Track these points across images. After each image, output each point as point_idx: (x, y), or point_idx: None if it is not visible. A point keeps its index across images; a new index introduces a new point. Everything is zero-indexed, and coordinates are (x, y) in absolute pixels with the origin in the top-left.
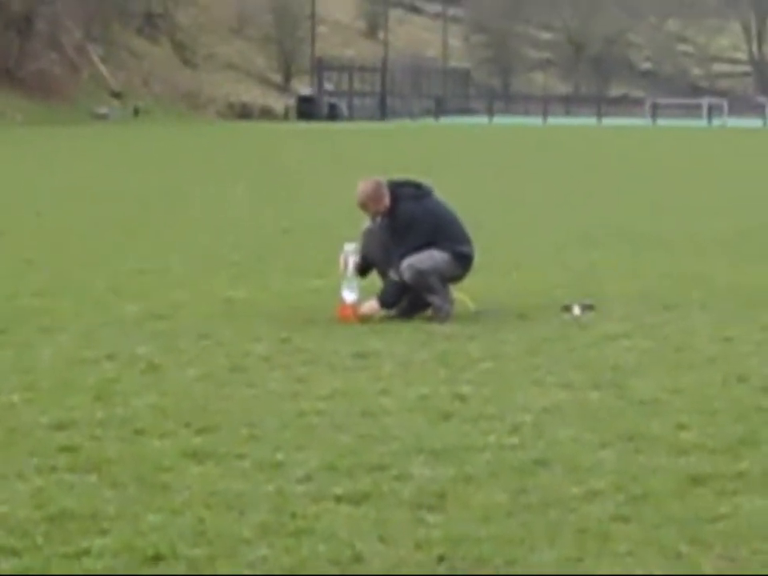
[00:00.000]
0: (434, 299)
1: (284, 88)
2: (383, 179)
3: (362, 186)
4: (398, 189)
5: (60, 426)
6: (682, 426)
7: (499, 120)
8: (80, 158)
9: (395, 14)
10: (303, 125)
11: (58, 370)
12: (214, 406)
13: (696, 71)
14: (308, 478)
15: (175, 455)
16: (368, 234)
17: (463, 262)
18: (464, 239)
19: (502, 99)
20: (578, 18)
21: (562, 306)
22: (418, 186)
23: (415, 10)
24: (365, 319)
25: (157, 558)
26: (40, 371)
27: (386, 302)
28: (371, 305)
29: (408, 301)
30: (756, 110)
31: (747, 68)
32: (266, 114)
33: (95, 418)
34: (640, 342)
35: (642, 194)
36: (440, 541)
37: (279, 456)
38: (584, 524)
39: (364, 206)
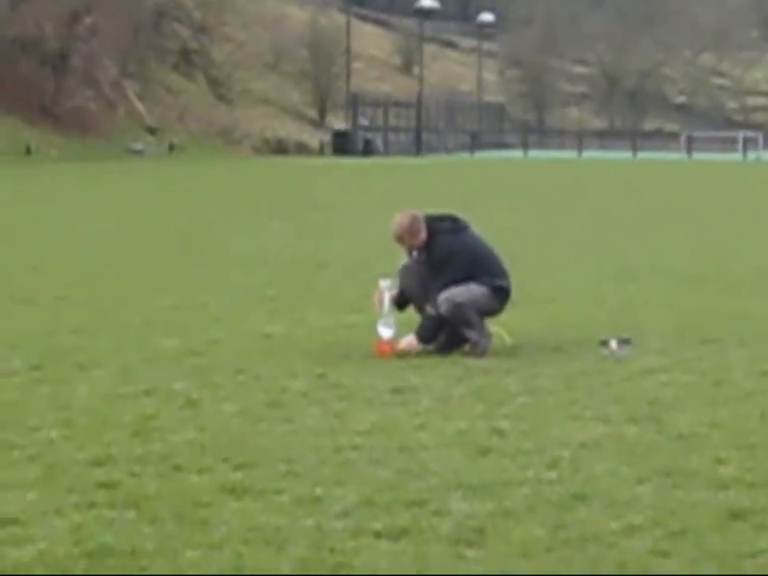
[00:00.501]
0: (471, 334)
1: (319, 123)
2: (420, 213)
3: (399, 219)
4: (434, 223)
5: (98, 462)
6: (720, 461)
7: (534, 154)
8: (115, 194)
9: (430, 49)
10: (338, 160)
11: (95, 406)
12: (252, 442)
13: (731, 104)
14: (346, 514)
15: (214, 491)
16: (405, 270)
17: (500, 295)
18: (501, 273)
19: (536, 133)
20: (613, 52)
21: (600, 341)
22: (455, 220)
23: (450, 44)
24: (401, 355)
25: None
26: (77, 407)
27: (423, 336)
28: (409, 340)
29: (446, 336)
30: None
31: None
32: (302, 149)
33: (133, 454)
34: (677, 376)
35: (678, 228)
36: None
37: (317, 491)
38: (623, 559)
39: (400, 239)
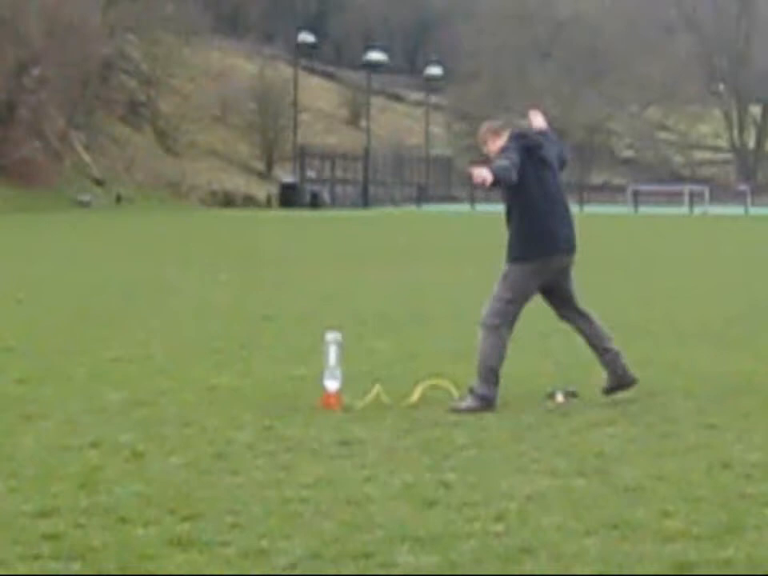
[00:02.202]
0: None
1: (266, 176)
2: (505, 124)
3: (487, 122)
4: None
5: (43, 514)
6: (666, 514)
7: (482, 207)
8: (62, 245)
9: (377, 102)
10: (285, 213)
11: (40, 457)
12: (198, 494)
13: (677, 159)
14: (293, 567)
15: (159, 543)
16: None
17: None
18: None
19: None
20: (560, 106)
21: (546, 393)
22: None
23: (397, 98)
24: (348, 407)
25: None
26: (22, 459)
27: (492, 170)
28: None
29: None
30: (737, 197)
31: (728, 155)
32: (249, 201)
33: (79, 505)
34: (624, 428)
35: (625, 281)
36: None
37: (264, 544)
38: None
39: (482, 141)
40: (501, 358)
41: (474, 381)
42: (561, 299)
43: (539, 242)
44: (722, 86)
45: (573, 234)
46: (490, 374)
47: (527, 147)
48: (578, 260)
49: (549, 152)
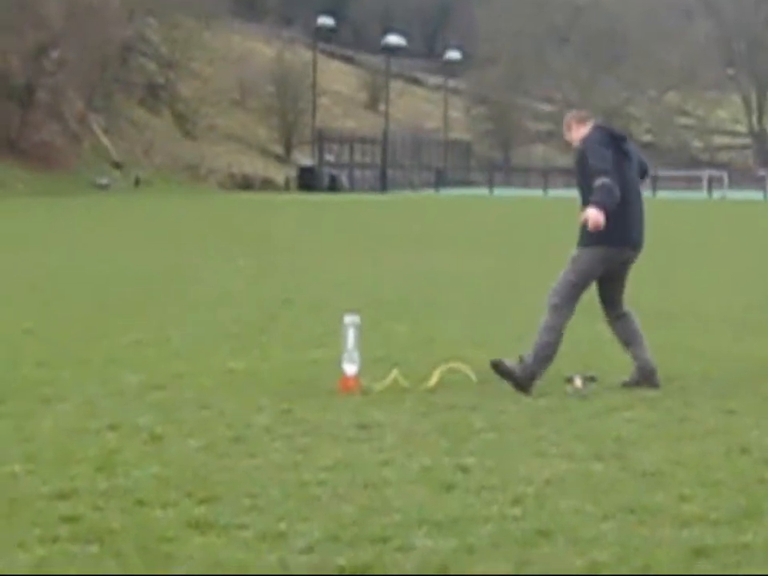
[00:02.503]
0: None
1: (285, 159)
2: (585, 115)
3: (573, 110)
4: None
5: (62, 496)
6: (684, 498)
7: (500, 192)
8: (81, 228)
9: (396, 85)
10: (304, 196)
11: (59, 440)
12: (216, 477)
13: (696, 143)
14: (310, 549)
15: (177, 525)
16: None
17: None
18: None
19: (502, 171)
20: (578, 90)
21: (565, 378)
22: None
23: (416, 81)
24: (366, 390)
25: None
26: (41, 441)
27: (599, 202)
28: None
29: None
30: (756, 182)
31: (747, 140)
32: (267, 185)
33: (97, 488)
34: (642, 413)
35: (645, 266)
36: None
37: (281, 526)
38: None
39: (567, 126)
40: (557, 337)
41: (528, 351)
42: (612, 294)
43: (615, 230)
44: (730, 71)
45: (644, 230)
46: (543, 351)
47: (612, 137)
48: None
49: (631, 147)
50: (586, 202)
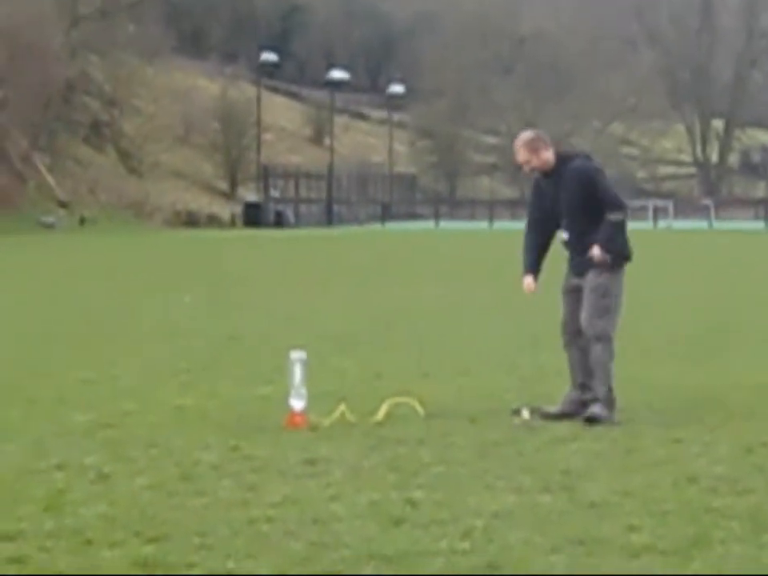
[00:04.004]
0: (599, 391)
1: (230, 195)
2: (546, 136)
3: (522, 134)
4: (567, 152)
5: (9, 537)
6: (632, 528)
7: (446, 225)
8: (27, 267)
9: (341, 120)
10: (250, 232)
11: (6, 480)
12: (164, 515)
13: (641, 174)
14: None
15: (125, 565)
16: (535, 189)
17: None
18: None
19: (448, 204)
20: (523, 122)
21: (511, 410)
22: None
23: (361, 116)
24: (314, 426)
25: None
26: None
27: (609, 243)
28: (596, 250)
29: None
30: (701, 211)
31: (691, 170)
32: (213, 221)
33: (44, 528)
34: (589, 444)
35: None
36: None
37: (230, 564)
38: None
39: (516, 152)
40: (612, 360)
41: (596, 390)
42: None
43: (626, 248)
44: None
45: None
46: (610, 380)
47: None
48: (542, 276)
49: None
50: (574, 226)
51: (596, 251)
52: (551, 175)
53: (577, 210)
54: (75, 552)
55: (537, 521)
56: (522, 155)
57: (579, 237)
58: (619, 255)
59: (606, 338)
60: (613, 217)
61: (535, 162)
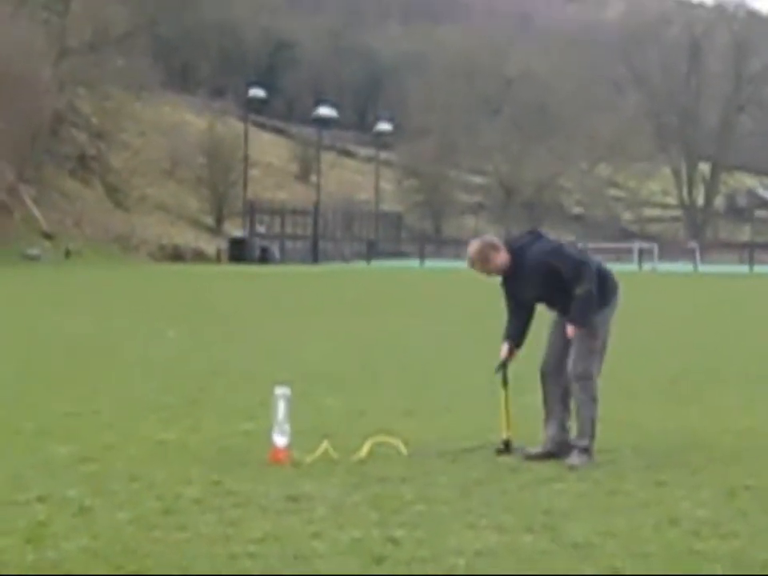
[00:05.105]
0: (581, 442)
1: (216, 231)
2: (494, 238)
3: (469, 248)
4: (515, 242)
5: None
6: (615, 570)
7: (431, 263)
8: (10, 299)
9: (328, 157)
10: (235, 268)
11: None
12: (145, 549)
13: (627, 216)
14: None
15: None
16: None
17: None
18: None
19: (433, 242)
20: (509, 162)
21: (496, 450)
22: (531, 232)
23: (347, 153)
24: (297, 462)
25: None
26: None
27: (581, 321)
28: (570, 331)
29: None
30: (686, 254)
31: (677, 212)
32: (198, 256)
33: (26, 561)
34: (572, 485)
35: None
36: None
37: None
38: None
39: (473, 266)
40: (596, 406)
41: (574, 436)
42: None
43: (612, 287)
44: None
45: None
46: (592, 427)
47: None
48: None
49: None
50: (554, 305)
51: (570, 331)
52: (512, 273)
53: (551, 295)
54: None
55: (519, 560)
56: (477, 269)
57: (561, 305)
58: (602, 298)
59: (587, 377)
60: (579, 290)
61: (493, 269)
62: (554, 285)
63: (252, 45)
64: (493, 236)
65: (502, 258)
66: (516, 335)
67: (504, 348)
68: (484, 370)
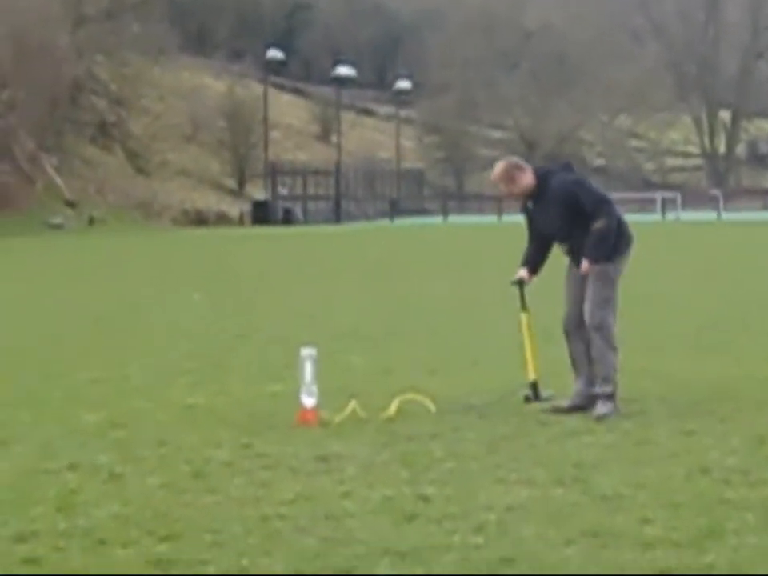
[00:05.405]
0: (605, 388)
1: (238, 193)
2: (522, 161)
3: (495, 168)
4: (544, 168)
5: (22, 538)
6: (646, 521)
7: (454, 219)
8: (35, 268)
9: (348, 117)
10: (258, 230)
11: (18, 482)
12: (177, 514)
13: (648, 166)
14: None
15: (139, 564)
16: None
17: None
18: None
19: (456, 198)
20: (529, 116)
21: (524, 397)
22: (567, 164)
23: (367, 112)
24: (325, 423)
25: None
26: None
27: (596, 256)
28: (584, 266)
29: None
30: (709, 202)
31: (699, 161)
32: (221, 219)
33: (57, 529)
34: (601, 437)
35: None
36: None
37: (244, 562)
38: None
39: (497, 185)
40: (616, 353)
41: (597, 386)
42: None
43: (627, 239)
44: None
45: None
46: (614, 373)
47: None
48: (552, 269)
49: None
50: (569, 239)
51: (584, 267)
52: (536, 197)
53: (568, 226)
54: (89, 552)
55: (550, 514)
56: (501, 188)
57: (577, 245)
58: (612, 253)
59: (605, 328)
60: (596, 225)
61: (516, 190)
62: (574, 218)
63: (269, 6)
64: (519, 158)
65: (527, 179)
66: (533, 262)
67: (522, 271)
68: (510, 325)
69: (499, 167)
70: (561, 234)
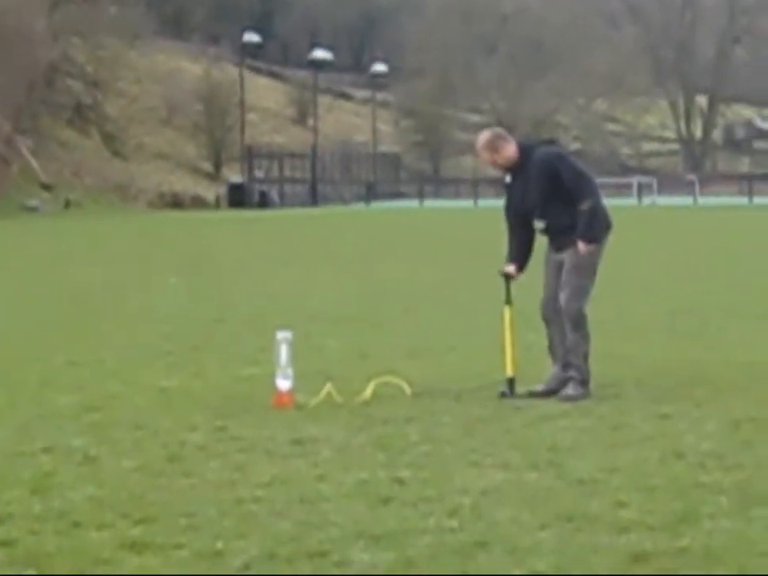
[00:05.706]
0: (574, 373)
1: (214, 177)
2: (507, 133)
3: (480, 135)
4: (529, 142)
5: None
6: (621, 505)
7: (430, 203)
8: (11, 251)
9: (324, 100)
10: (234, 213)
11: None
12: (152, 497)
13: (625, 150)
14: (247, 567)
15: (113, 547)
16: (508, 190)
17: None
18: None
19: (432, 182)
20: (506, 100)
21: (500, 393)
22: (551, 140)
23: (344, 95)
24: (301, 406)
25: None
26: None
27: (588, 236)
28: (581, 247)
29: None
30: (685, 187)
31: (675, 146)
32: (198, 203)
33: (32, 511)
34: (576, 421)
35: None
36: None
37: (218, 545)
38: None
39: (480, 154)
40: (588, 339)
41: (571, 370)
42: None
43: (605, 221)
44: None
45: None
46: (585, 361)
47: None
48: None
49: None
50: (547, 214)
51: (581, 248)
52: (517, 169)
53: (547, 200)
54: (63, 534)
55: (525, 498)
56: (485, 157)
57: (554, 222)
58: (595, 232)
59: (580, 316)
60: (584, 206)
61: (500, 161)
62: (553, 192)
63: None
64: (503, 130)
65: (510, 150)
66: (519, 258)
67: (509, 267)
68: (486, 310)
69: (484, 135)
70: (538, 210)
